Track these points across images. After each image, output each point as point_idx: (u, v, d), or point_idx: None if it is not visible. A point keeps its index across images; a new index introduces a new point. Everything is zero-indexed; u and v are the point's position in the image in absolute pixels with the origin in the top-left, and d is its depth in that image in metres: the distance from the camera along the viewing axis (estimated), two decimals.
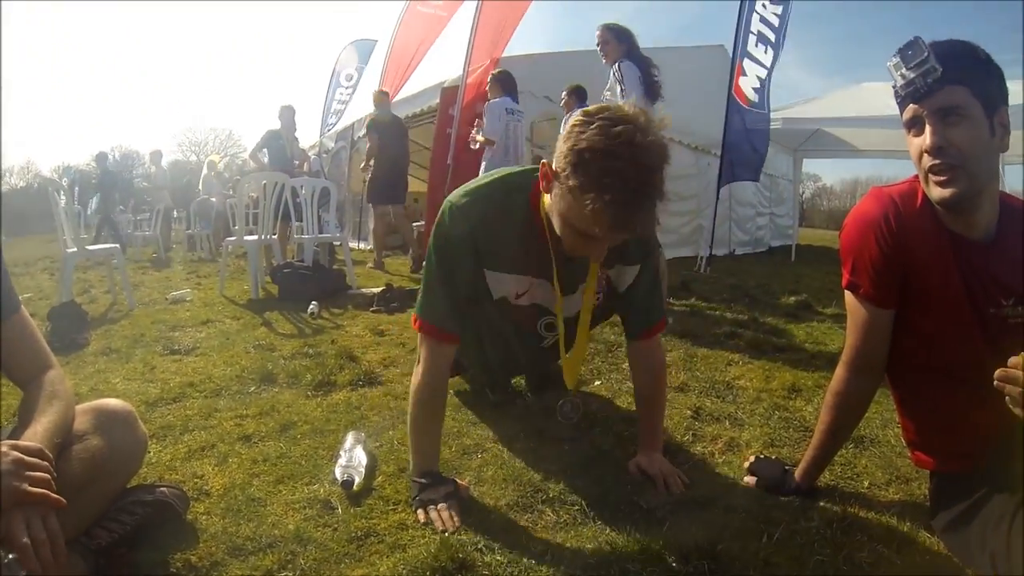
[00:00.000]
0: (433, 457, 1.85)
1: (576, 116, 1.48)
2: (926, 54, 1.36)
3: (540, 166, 1.62)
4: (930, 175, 1.44)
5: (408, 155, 8.16)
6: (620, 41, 5.46)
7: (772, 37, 8.45)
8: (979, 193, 1.43)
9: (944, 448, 1.64)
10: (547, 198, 1.63)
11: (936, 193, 1.44)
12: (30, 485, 1.16)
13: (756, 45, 8.29)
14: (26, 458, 1.18)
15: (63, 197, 4.92)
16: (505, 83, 6.69)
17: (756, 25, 8.24)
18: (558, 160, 1.50)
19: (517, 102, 6.71)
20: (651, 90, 5.50)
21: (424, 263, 1.87)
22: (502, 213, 1.78)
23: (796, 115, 10.63)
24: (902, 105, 1.46)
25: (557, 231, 1.61)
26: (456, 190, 1.86)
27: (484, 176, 1.88)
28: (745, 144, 8.28)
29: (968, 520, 1.47)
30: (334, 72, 13.78)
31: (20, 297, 1.52)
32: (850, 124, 9.62)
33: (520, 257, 1.85)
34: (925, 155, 1.42)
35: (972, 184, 1.41)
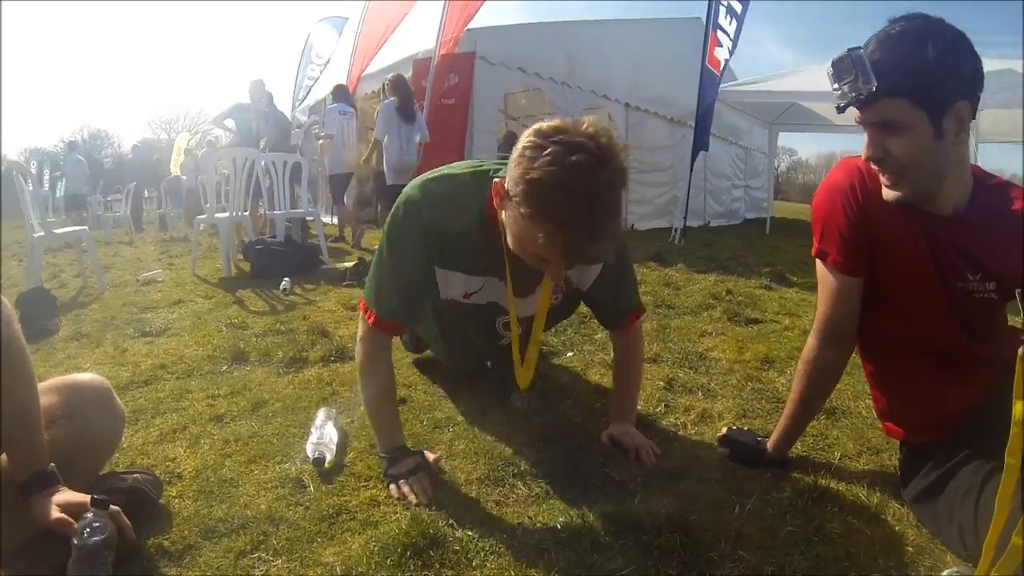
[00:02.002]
0: (395, 433, 1.83)
1: (529, 137, 1.38)
2: (854, 72, 1.36)
3: (493, 183, 1.54)
4: (881, 175, 1.48)
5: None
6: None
7: (739, 8, 8.45)
8: (933, 190, 1.45)
9: (914, 419, 1.65)
10: (502, 213, 1.55)
11: (885, 193, 1.48)
12: None
13: (725, 16, 8.29)
14: None
15: (29, 182, 4.82)
16: (339, 93, 8.26)
17: None
18: (510, 184, 1.42)
19: (352, 107, 8.21)
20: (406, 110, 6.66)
21: (376, 252, 1.83)
22: (456, 212, 1.71)
23: (772, 88, 10.62)
24: (841, 111, 1.48)
25: (511, 247, 1.54)
26: (414, 180, 1.80)
27: (442, 170, 1.80)
28: (712, 115, 8.32)
29: (937, 491, 1.50)
30: (305, 47, 13.62)
31: None
32: (826, 99, 9.52)
33: (473, 257, 1.80)
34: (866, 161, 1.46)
35: (918, 188, 1.44)
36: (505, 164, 1.64)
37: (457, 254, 1.79)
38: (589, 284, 1.93)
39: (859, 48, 1.38)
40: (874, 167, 1.48)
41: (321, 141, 7.86)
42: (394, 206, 1.77)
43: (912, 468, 1.63)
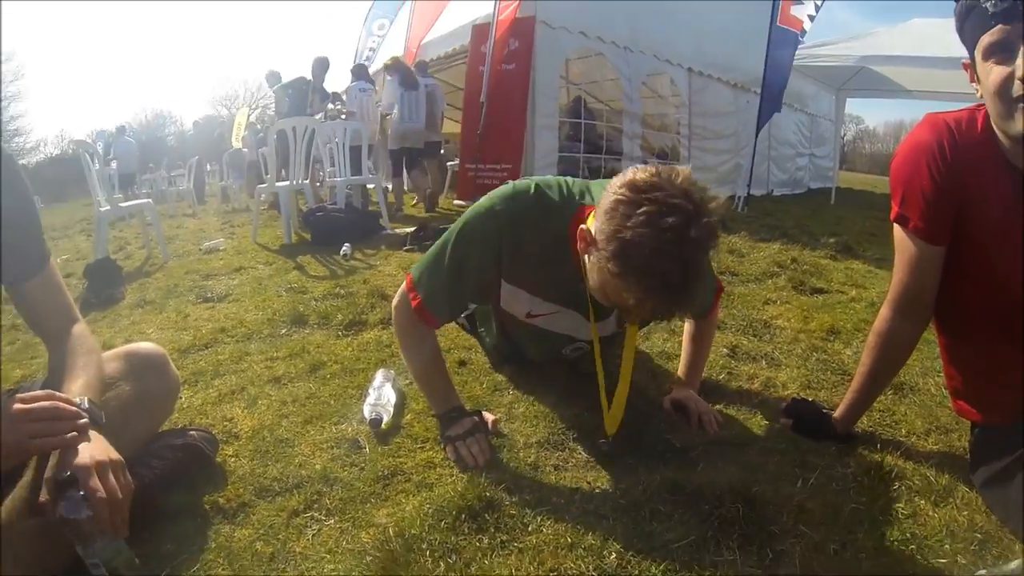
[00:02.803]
0: (449, 395, 1.80)
1: (623, 190, 1.31)
2: None
3: (579, 229, 1.47)
4: (1018, 107, 1.29)
5: None
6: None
7: None
8: None
9: (989, 399, 1.55)
10: (585, 257, 1.47)
11: (1014, 126, 1.31)
12: (30, 435, 1.14)
13: None
14: (23, 407, 1.14)
15: (96, 161, 4.96)
16: (358, 72, 8.99)
17: None
18: (599, 235, 1.35)
19: (371, 83, 8.84)
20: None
21: (443, 236, 1.74)
22: (538, 233, 1.64)
23: (839, 51, 10.20)
24: (986, 27, 1.30)
25: (592, 291, 1.49)
26: (501, 188, 1.71)
27: (531, 181, 1.71)
28: (783, 80, 8.06)
29: (1010, 477, 1.39)
30: (366, 21, 13.70)
31: (60, 259, 1.52)
32: (897, 63, 9.17)
33: (547, 281, 1.74)
34: (1018, 83, 1.26)
35: None
36: (588, 187, 1.65)
37: (528, 273, 1.74)
38: None
39: None
40: (1020, 91, 1.27)
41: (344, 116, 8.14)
42: (477, 205, 1.71)
43: (983, 451, 1.52)
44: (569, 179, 1.73)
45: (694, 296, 1.34)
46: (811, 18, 8.16)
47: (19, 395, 1.19)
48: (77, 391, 1.27)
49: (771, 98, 8.01)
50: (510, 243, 1.66)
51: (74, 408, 1.21)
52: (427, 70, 8.59)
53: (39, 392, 1.21)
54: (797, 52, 8.02)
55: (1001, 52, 1.29)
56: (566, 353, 2.04)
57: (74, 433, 1.17)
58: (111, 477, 1.14)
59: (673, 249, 1.23)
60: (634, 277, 1.28)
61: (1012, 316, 1.45)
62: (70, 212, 14.10)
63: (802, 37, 8.34)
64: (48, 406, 1.18)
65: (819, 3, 8.15)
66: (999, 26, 1.28)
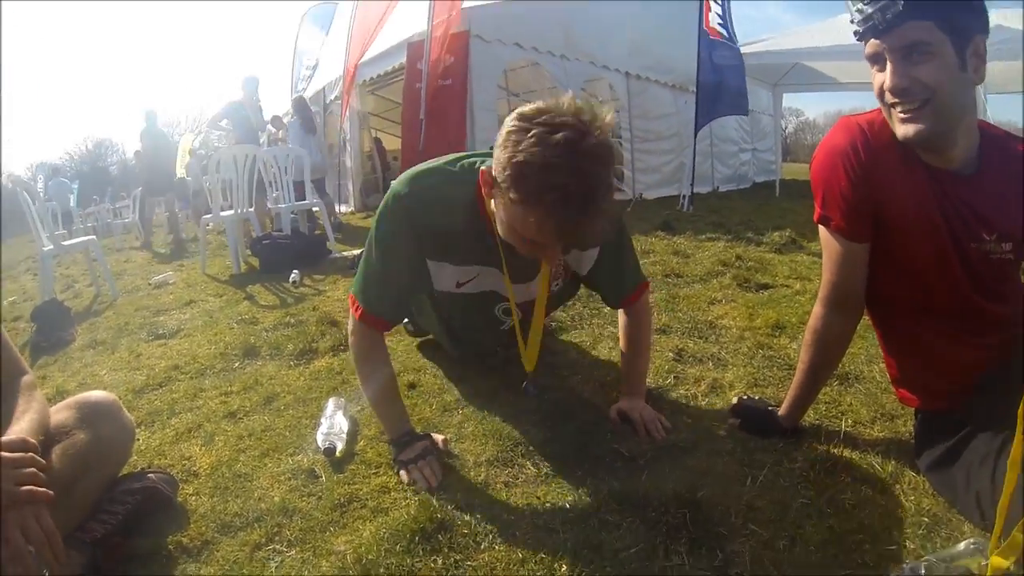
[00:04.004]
0: (402, 419, 1.84)
1: (512, 120, 1.37)
2: None
3: (479, 172, 1.53)
4: (894, 111, 1.40)
5: None
6: None
7: None
8: (951, 129, 1.39)
9: (928, 385, 1.61)
10: (491, 202, 1.54)
11: (901, 130, 1.40)
12: (17, 483, 1.18)
13: None
14: (8, 455, 1.19)
15: (35, 200, 4.88)
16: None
17: None
18: (496, 169, 1.40)
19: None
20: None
21: (366, 242, 1.80)
22: (446, 205, 1.69)
23: (774, 48, 10.45)
24: (862, 39, 1.39)
25: (502, 235, 1.54)
26: (401, 176, 1.77)
27: (429, 164, 1.78)
28: (720, 80, 8.19)
29: (953, 459, 1.46)
30: (297, 36, 13.65)
31: (6, 302, 1.54)
32: (830, 56, 9.42)
33: (465, 247, 1.79)
34: (887, 92, 1.38)
35: (940, 121, 1.37)
36: (491, 154, 1.63)
37: (447, 246, 1.78)
38: (588, 268, 1.91)
39: None
40: (892, 101, 1.39)
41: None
42: (383, 201, 1.76)
43: (926, 436, 1.59)
44: (469, 153, 1.80)
45: (597, 211, 1.36)
46: (721, 26, 8.39)
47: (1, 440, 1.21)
48: (15, 433, 1.28)
49: (714, 99, 8.14)
50: (422, 222, 1.70)
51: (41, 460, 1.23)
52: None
53: (15, 439, 1.23)
54: (722, 54, 8.19)
55: (876, 62, 1.40)
56: (498, 314, 2.06)
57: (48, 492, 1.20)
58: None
59: (567, 162, 1.28)
60: (534, 197, 1.32)
61: (938, 305, 1.53)
62: (13, 251, 13.72)
63: (734, 43, 8.53)
64: (31, 456, 1.22)
65: (720, 12, 8.37)
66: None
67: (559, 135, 1.28)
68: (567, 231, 1.38)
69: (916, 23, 1.30)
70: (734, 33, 8.65)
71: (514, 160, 1.32)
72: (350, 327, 1.84)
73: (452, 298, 1.96)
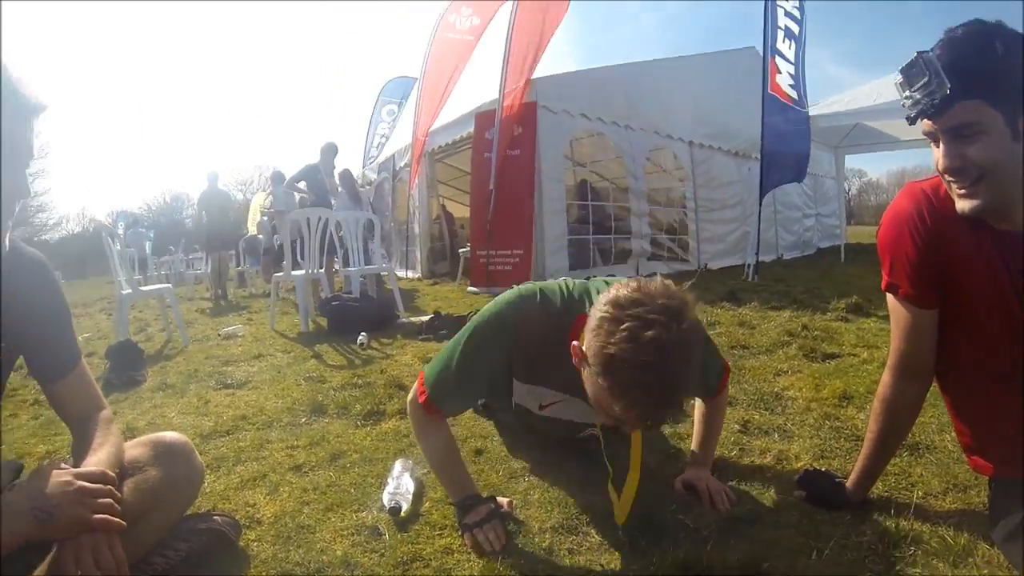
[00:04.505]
0: (465, 483, 1.85)
1: (606, 307, 1.40)
2: (928, 75, 1.31)
3: (572, 346, 1.54)
4: (951, 186, 1.41)
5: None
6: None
7: (796, 30, 8.30)
8: (1010, 198, 1.38)
9: (1002, 452, 1.55)
10: (582, 369, 1.54)
11: (959, 205, 1.40)
12: (94, 511, 1.24)
13: (784, 40, 8.12)
14: (88, 485, 1.26)
15: (116, 242, 5.13)
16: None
17: (782, 20, 8.09)
18: (589, 352, 1.43)
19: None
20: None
21: (455, 338, 1.82)
22: (544, 338, 1.72)
23: (833, 110, 10.40)
24: (913, 123, 1.41)
25: (590, 401, 1.55)
26: (506, 294, 1.83)
27: (534, 287, 1.81)
28: (785, 145, 8.11)
29: None
30: (375, 107, 14.26)
31: (81, 337, 1.63)
32: (889, 115, 9.29)
33: (556, 378, 1.82)
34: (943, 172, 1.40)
35: (997, 194, 1.36)
36: (587, 290, 1.73)
37: (538, 373, 1.83)
38: None
39: (928, 52, 1.33)
40: (948, 179, 1.40)
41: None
42: (486, 311, 1.81)
43: (1002, 505, 1.52)
44: (570, 281, 1.83)
45: (678, 402, 1.40)
46: (792, 87, 8.31)
47: (78, 471, 1.28)
48: (94, 463, 1.35)
49: (778, 165, 8.06)
50: (517, 347, 1.76)
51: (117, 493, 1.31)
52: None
53: (95, 471, 1.30)
54: (787, 117, 8.10)
55: (932, 139, 1.41)
56: (582, 436, 2.11)
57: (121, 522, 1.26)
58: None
59: (655, 360, 1.30)
60: (619, 390, 1.36)
61: (1006, 369, 1.48)
62: (91, 289, 14.35)
63: (803, 108, 8.45)
64: (108, 489, 1.29)
65: (793, 72, 8.31)
66: None
67: (650, 333, 1.32)
68: (648, 420, 1.44)
69: (964, 103, 1.30)
70: (805, 95, 8.57)
71: (605, 351, 1.36)
72: (410, 397, 1.88)
73: (534, 415, 1.99)
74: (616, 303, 1.38)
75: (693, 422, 2.10)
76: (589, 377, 1.45)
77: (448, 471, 1.87)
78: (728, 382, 2.08)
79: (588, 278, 1.88)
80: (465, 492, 1.81)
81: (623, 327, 1.33)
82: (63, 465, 1.31)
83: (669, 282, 1.42)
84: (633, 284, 1.41)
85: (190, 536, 1.60)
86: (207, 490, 2.05)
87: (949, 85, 1.29)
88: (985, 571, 1.44)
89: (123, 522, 1.28)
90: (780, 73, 8.04)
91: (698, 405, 2.08)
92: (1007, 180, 1.35)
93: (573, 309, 1.71)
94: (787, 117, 8.11)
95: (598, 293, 1.53)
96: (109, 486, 1.30)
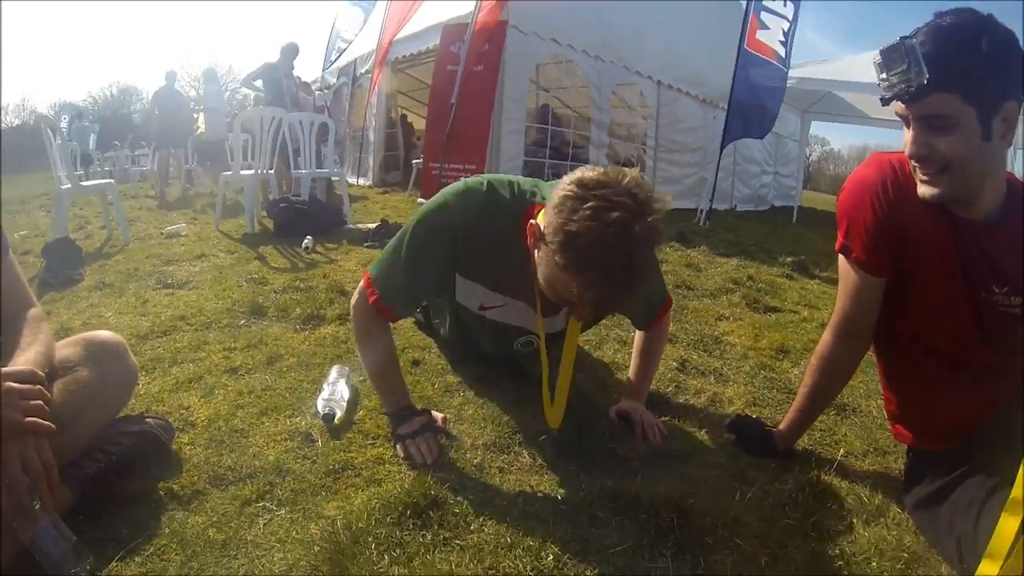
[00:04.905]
0: (402, 392, 1.85)
1: (570, 185, 1.38)
2: (907, 62, 1.29)
3: (528, 225, 1.53)
4: (915, 171, 1.43)
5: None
6: None
7: None
8: (969, 192, 1.41)
9: (923, 425, 1.63)
10: (535, 252, 1.54)
11: (919, 190, 1.43)
12: (23, 414, 1.18)
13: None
14: (16, 386, 1.19)
15: (57, 136, 4.89)
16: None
17: None
18: (548, 229, 1.41)
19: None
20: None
21: (399, 233, 1.79)
22: (489, 229, 1.71)
23: (807, 75, 10.39)
24: (886, 104, 1.41)
25: (541, 285, 1.55)
26: (454, 185, 1.79)
27: (481, 179, 1.78)
28: (755, 100, 8.04)
29: (939, 500, 1.47)
30: (338, 13, 13.75)
31: (17, 235, 1.53)
32: (862, 90, 9.32)
33: (500, 275, 1.81)
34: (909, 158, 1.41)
35: (957, 186, 1.39)
36: (538, 185, 1.70)
37: (481, 268, 1.81)
38: None
39: (911, 37, 1.31)
40: (913, 163, 1.42)
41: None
42: (431, 202, 1.77)
43: (916, 474, 1.60)
44: (520, 178, 1.80)
45: (636, 291, 1.39)
46: (783, 43, 8.24)
47: (6, 371, 1.21)
48: (22, 363, 1.28)
49: (743, 119, 8.03)
50: (463, 238, 1.72)
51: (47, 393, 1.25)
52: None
53: (23, 370, 1.24)
54: (761, 72, 8.05)
55: (903, 121, 1.41)
56: (517, 347, 2.10)
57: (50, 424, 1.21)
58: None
59: (617, 242, 1.30)
60: (579, 268, 1.35)
61: (943, 349, 1.54)
62: (28, 185, 13.73)
63: (785, 67, 8.39)
64: (38, 388, 1.23)
65: (786, 29, 8.25)
66: None
67: (615, 215, 1.30)
68: (605, 302, 1.44)
69: (940, 95, 1.30)
70: (790, 55, 8.50)
71: (566, 228, 1.34)
72: (355, 300, 1.84)
73: (472, 317, 1.98)
74: (581, 183, 1.37)
75: (632, 353, 2.13)
76: (545, 256, 1.45)
77: (386, 380, 1.86)
78: (670, 317, 2.11)
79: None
80: (400, 403, 1.81)
81: (587, 205, 1.33)
82: None
83: (638, 174, 1.40)
84: (600, 169, 1.40)
85: (122, 439, 1.56)
86: (141, 392, 2.01)
87: (927, 75, 1.28)
88: (894, 532, 1.51)
89: (52, 425, 1.22)
90: (767, 29, 7.92)
91: (637, 336, 2.10)
92: (970, 174, 1.38)
93: (522, 199, 1.70)
94: (763, 73, 8.02)
95: (551, 188, 1.50)
96: (38, 386, 1.24)
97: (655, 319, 2.04)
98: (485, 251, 1.74)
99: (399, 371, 1.91)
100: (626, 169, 1.41)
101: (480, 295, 1.89)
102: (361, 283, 1.82)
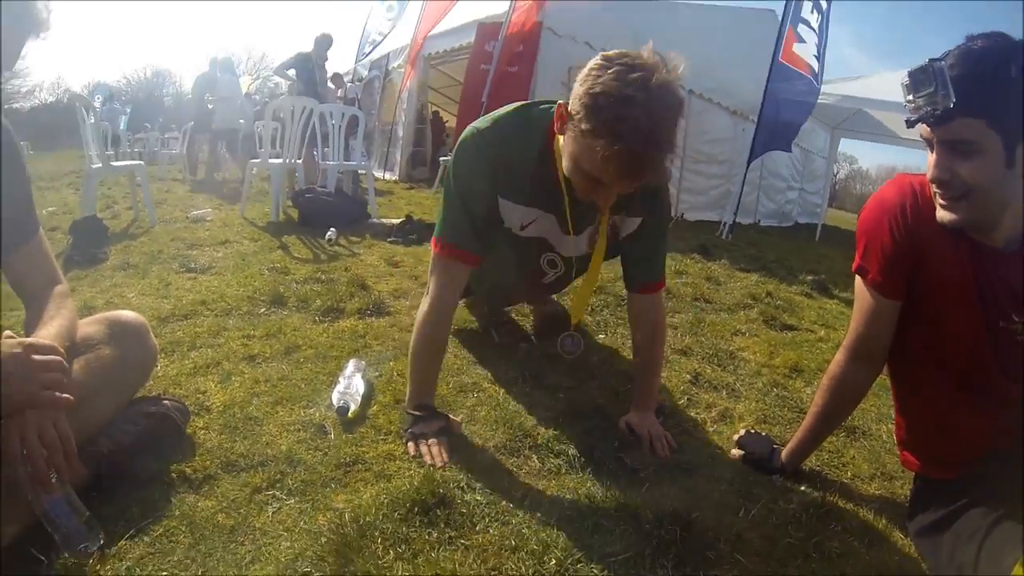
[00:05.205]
0: (430, 390, 1.88)
1: (595, 59, 1.48)
2: (935, 85, 1.27)
3: (557, 106, 1.62)
4: (936, 195, 1.41)
5: None
6: None
7: (824, 3, 8.13)
8: (989, 219, 1.39)
9: (932, 452, 1.62)
10: (560, 139, 1.64)
11: (939, 215, 1.41)
12: (42, 386, 1.20)
13: (812, 12, 7.96)
14: (38, 358, 1.21)
15: (91, 115, 4.96)
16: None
17: None
18: (573, 102, 1.50)
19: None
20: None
21: (443, 185, 1.88)
22: (520, 144, 1.80)
23: (838, 91, 10.30)
24: (911, 127, 1.39)
25: (567, 172, 1.63)
26: (484, 116, 1.88)
27: (507, 107, 1.88)
28: (785, 114, 8.01)
29: (942, 528, 1.45)
30: (373, 7, 13.79)
31: (45, 211, 1.56)
32: (894, 109, 9.26)
33: (530, 189, 1.87)
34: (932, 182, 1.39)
35: (977, 213, 1.37)
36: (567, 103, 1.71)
37: (515, 185, 1.87)
38: (626, 233, 2.00)
39: (940, 60, 1.29)
40: (934, 187, 1.40)
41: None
42: (462, 137, 1.86)
43: (921, 501, 1.59)
44: (546, 100, 1.86)
45: (659, 149, 1.45)
46: (816, 58, 8.17)
47: (28, 342, 1.23)
48: (44, 337, 1.31)
49: (770, 132, 7.98)
50: (498, 156, 1.81)
51: (67, 368, 1.27)
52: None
53: (46, 343, 1.26)
54: (794, 86, 7.98)
55: (928, 145, 1.39)
56: (543, 265, 2.17)
57: (70, 397, 1.23)
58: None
59: (640, 97, 1.38)
60: (605, 126, 1.41)
61: (956, 375, 1.52)
62: (59, 162, 13.94)
63: (817, 82, 8.33)
64: (59, 361, 1.25)
65: (819, 43, 8.18)
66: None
67: (636, 74, 1.39)
68: (631, 164, 1.46)
69: (966, 120, 1.28)
70: (823, 68, 8.46)
71: (591, 91, 1.43)
72: (432, 272, 1.90)
73: (509, 239, 2.03)
74: (605, 56, 1.47)
75: (634, 364, 2.15)
76: (571, 133, 1.52)
77: (424, 369, 1.88)
78: (661, 300, 2.16)
79: None
80: (424, 399, 1.84)
81: (611, 70, 1.41)
82: (9, 334, 1.26)
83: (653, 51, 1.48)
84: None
85: (138, 419, 1.59)
86: (159, 374, 2.04)
87: (954, 99, 1.26)
88: (896, 557, 1.50)
89: (71, 398, 1.24)
90: (803, 42, 7.88)
91: (635, 341, 2.11)
92: (991, 202, 1.35)
93: (548, 114, 1.76)
94: (795, 87, 7.96)
95: None
96: (60, 359, 1.26)
97: (651, 285, 2.06)
98: (519, 166, 1.81)
99: (439, 365, 1.95)
100: (646, 47, 1.49)
101: (519, 213, 1.95)
102: (432, 257, 1.90)
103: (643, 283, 2.06)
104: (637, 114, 1.38)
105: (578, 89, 1.48)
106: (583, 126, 1.45)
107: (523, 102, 1.90)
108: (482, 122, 1.86)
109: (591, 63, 1.48)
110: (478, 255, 1.91)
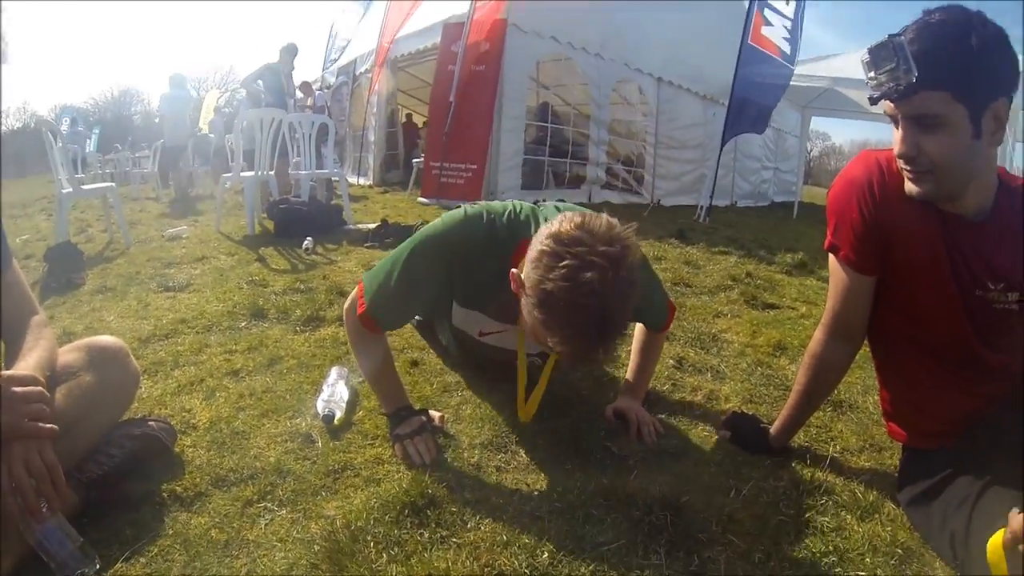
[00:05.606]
0: (399, 393, 1.88)
1: (547, 240, 1.36)
2: (896, 60, 1.28)
3: (511, 273, 1.50)
4: (903, 169, 1.42)
5: None
6: None
7: None
8: (957, 190, 1.40)
9: (917, 423, 1.62)
10: (522, 299, 1.51)
11: (907, 187, 1.42)
12: (25, 417, 1.20)
13: None
14: (19, 390, 1.21)
15: (58, 139, 4.89)
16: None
17: None
18: (527, 284, 1.41)
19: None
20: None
21: (396, 252, 1.77)
22: (487, 260, 1.69)
23: (808, 71, 10.35)
24: (874, 103, 1.40)
25: (524, 328, 1.55)
26: (453, 213, 1.78)
27: (479, 209, 1.76)
28: (756, 96, 8.07)
29: (932, 497, 1.46)
30: (338, 13, 13.80)
31: (18, 240, 1.55)
32: (862, 86, 9.27)
33: (498, 303, 1.79)
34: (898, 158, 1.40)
35: (944, 186, 1.38)
36: (535, 214, 1.70)
37: (479, 297, 1.82)
38: None
39: (899, 35, 1.30)
40: (901, 162, 1.41)
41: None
42: (431, 227, 1.76)
43: (910, 472, 1.60)
44: (519, 204, 1.79)
45: (610, 345, 1.41)
46: (787, 40, 8.22)
47: (8, 374, 1.24)
48: (23, 368, 1.31)
49: (742, 115, 8.01)
50: (460, 268, 1.73)
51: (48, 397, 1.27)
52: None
53: (26, 374, 1.26)
54: (764, 69, 8.03)
55: (893, 121, 1.40)
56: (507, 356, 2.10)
57: (53, 427, 1.23)
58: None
59: (590, 303, 1.30)
60: (554, 326, 1.36)
61: (935, 348, 1.53)
62: (30, 189, 13.80)
63: (791, 64, 8.40)
64: (40, 391, 1.25)
65: (788, 25, 8.24)
66: None
67: (588, 275, 1.29)
68: (581, 358, 1.52)
69: (929, 93, 1.29)
70: (796, 51, 8.51)
71: (542, 287, 1.34)
72: (347, 305, 1.85)
73: (472, 340, 2.02)
74: (557, 238, 1.35)
75: (630, 351, 2.14)
76: (526, 306, 1.44)
77: (382, 383, 1.89)
78: (672, 321, 2.11)
79: (536, 202, 1.88)
80: (398, 404, 1.84)
81: (562, 264, 1.31)
82: None
83: (615, 222, 1.38)
84: (577, 220, 1.38)
85: (124, 442, 1.59)
86: (143, 395, 2.04)
87: (916, 73, 1.26)
88: (888, 528, 1.51)
89: (55, 427, 1.25)
90: (771, 25, 7.93)
91: (637, 334, 2.11)
92: (959, 173, 1.36)
93: (518, 233, 1.67)
94: (765, 70, 8.00)
95: (545, 220, 1.52)
96: (40, 390, 1.26)
97: (660, 328, 2.06)
98: (483, 281, 1.73)
99: (395, 373, 1.94)
100: (604, 218, 1.39)
101: (478, 322, 1.92)
102: (355, 291, 1.83)
103: (660, 328, 2.06)
104: (585, 322, 1.33)
105: (530, 272, 1.39)
106: (535, 313, 1.38)
107: (493, 206, 1.78)
108: (448, 226, 1.74)
109: (543, 242, 1.37)
110: (385, 331, 1.88)
